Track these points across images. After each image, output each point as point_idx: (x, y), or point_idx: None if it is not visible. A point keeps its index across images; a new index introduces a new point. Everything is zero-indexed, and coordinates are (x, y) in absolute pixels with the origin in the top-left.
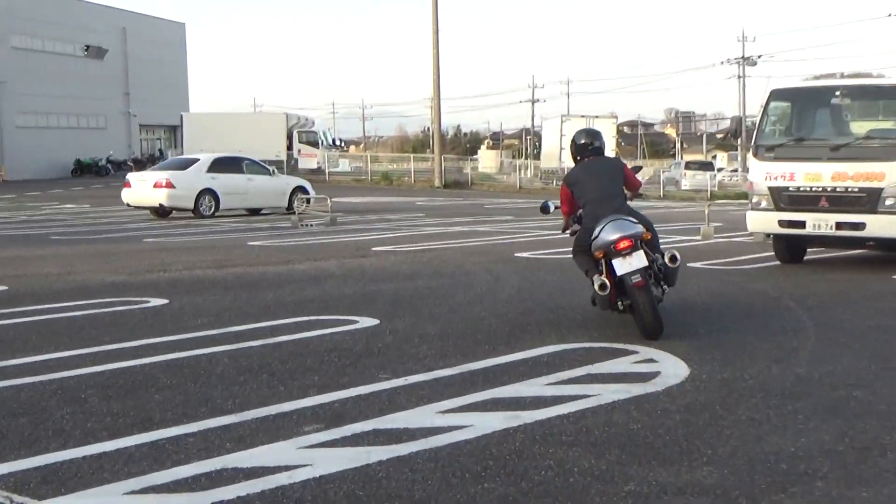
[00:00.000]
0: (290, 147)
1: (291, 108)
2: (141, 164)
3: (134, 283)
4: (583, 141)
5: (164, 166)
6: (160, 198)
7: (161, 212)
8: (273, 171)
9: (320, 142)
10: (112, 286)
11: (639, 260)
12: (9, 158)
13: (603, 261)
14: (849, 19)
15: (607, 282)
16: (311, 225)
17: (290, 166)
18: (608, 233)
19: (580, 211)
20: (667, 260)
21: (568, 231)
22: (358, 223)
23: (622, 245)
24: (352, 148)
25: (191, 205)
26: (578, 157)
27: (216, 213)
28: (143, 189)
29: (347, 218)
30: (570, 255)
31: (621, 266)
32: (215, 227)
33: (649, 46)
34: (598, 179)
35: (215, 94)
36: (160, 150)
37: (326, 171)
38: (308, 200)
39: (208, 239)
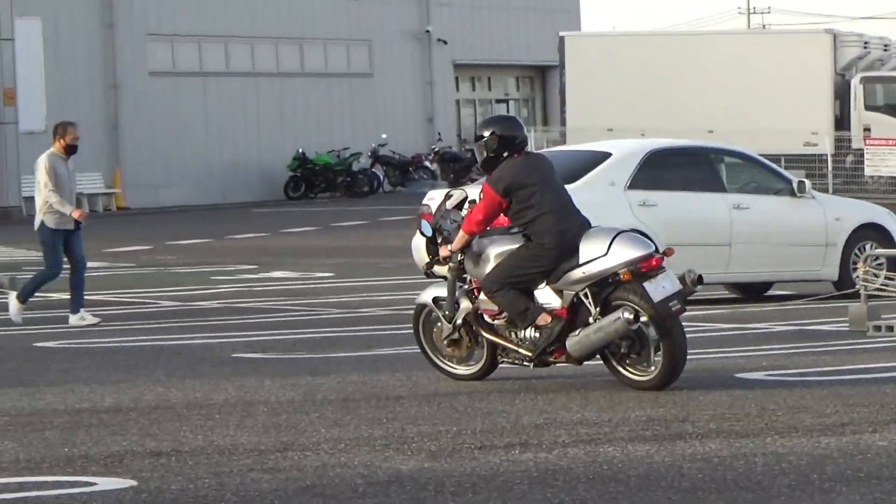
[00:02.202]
0: (841, 120)
1: (850, 18)
2: (460, 166)
3: None
4: (509, 133)
5: None
6: None
7: None
8: (801, 184)
9: None
10: None
11: (672, 283)
12: (133, 154)
13: (587, 292)
14: None
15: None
16: None
17: (847, 170)
18: (625, 249)
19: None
20: (689, 281)
21: (451, 259)
22: None
23: (653, 263)
24: None
25: None
26: (505, 154)
27: None
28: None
29: None
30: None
31: (655, 291)
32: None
33: None
34: (552, 182)
35: None
36: None
37: None
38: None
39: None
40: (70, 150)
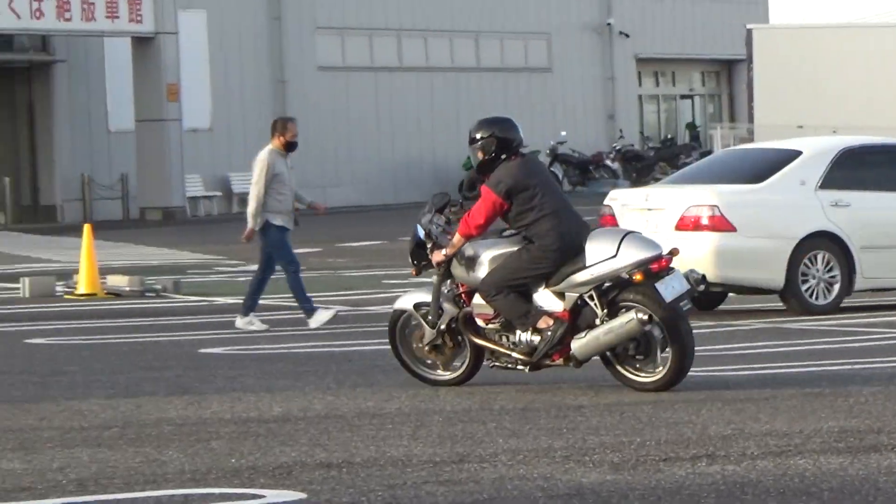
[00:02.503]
0: None
1: None
2: (642, 165)
3: None
4: (507, 135)
5: (702, 173)
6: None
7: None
8: None
9: None
10: None
11: (681, 283)
12: (301, 153)
13: (592, 293)
14: None
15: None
16: None
17: None
18: (634, 250)
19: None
20: (693, 280)
21: (440, 263)
22: None
23: (663, 264)
24: None
25: (779, 277)
26: (503, 156)
27: (843, 299)
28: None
29: None
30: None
31: (666, 291)
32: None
33: None
34: (551, 184)
35: None
36: (691, 128)
37: None
38: None
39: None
40: (289, 146)
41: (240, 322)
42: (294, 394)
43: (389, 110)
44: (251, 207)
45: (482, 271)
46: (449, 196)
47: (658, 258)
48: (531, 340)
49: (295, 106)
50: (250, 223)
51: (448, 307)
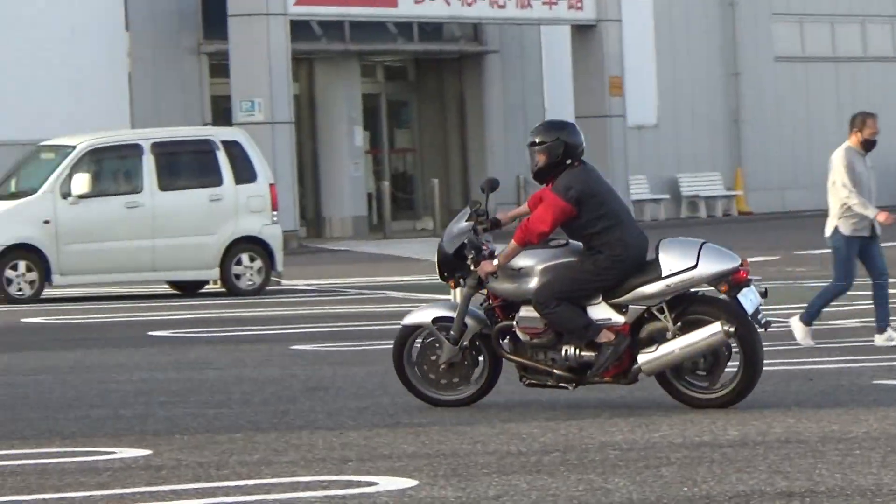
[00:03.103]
0: None
1: None
2: None
3: None
4: (574, 140)
5: None
6: None
7: None
8: None
9: None
10: None
11: (756, 296)
12: (757, 152)
13: (663, 306)
14: None
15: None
16: None
17: None
18: (714, 261)
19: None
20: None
21: (491, 274)
22: None
23: (742, 275)
24: None
25: None
26: (569, 162)
27: None
28: None
29: None
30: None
31: (748, 303)
32: None
33: None
34: (614, 192)
35: None
36: None
37: None
38: None
39: None
40: (867, 145)
41: (878, 339)
42: (751, 416)
43: (852, 105)
44: (853, 202)
45: (533, 283)
46: (480, 203)
47: (738, 269)
48: (581, 356)
49: (749, 100)
50: (871, 213)
51: (471, 323)
